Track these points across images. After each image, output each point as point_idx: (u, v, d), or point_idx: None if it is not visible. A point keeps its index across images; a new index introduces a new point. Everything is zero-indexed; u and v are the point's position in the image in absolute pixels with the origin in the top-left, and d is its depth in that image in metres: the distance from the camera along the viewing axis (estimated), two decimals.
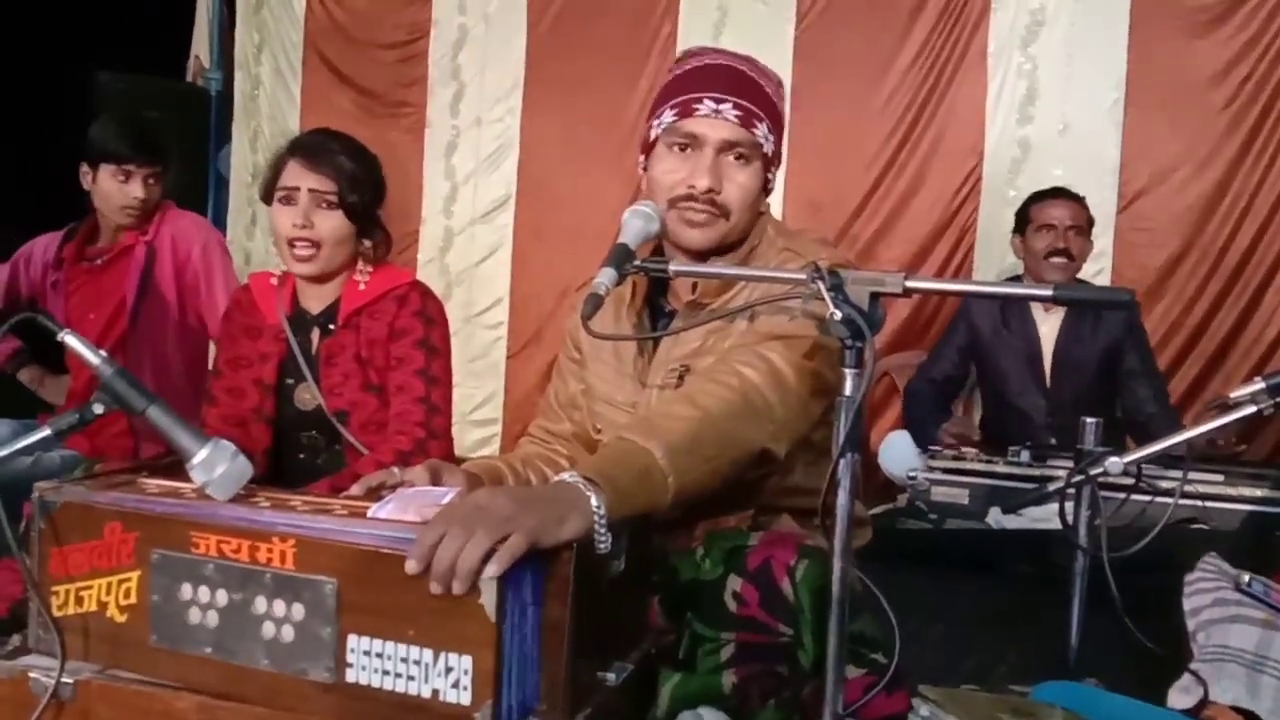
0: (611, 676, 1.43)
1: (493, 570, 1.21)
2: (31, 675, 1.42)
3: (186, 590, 1.38)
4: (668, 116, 1.80)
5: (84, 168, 3.07)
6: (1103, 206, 3.86)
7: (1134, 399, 3.54)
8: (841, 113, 4.35)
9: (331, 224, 2.27)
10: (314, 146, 2.30)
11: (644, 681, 1.55)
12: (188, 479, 1.49)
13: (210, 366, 2.61)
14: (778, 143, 1.84)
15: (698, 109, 1.78)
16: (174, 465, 1.55)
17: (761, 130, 1.80)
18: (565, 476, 1.38)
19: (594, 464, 1.44)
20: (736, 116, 1.78)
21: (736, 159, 1.79)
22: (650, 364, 1.87)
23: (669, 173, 1.80)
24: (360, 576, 1.29)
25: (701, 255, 1.82)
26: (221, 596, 1.36)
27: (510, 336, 4.85)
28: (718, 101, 1.78)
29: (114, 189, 3.03)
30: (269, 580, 1.33)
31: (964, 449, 3.28)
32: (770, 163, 1.84)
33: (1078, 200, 3.54)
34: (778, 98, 1.86)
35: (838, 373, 1.53)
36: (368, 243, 2.34)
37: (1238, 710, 1.85)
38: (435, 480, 1.70)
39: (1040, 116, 4.14)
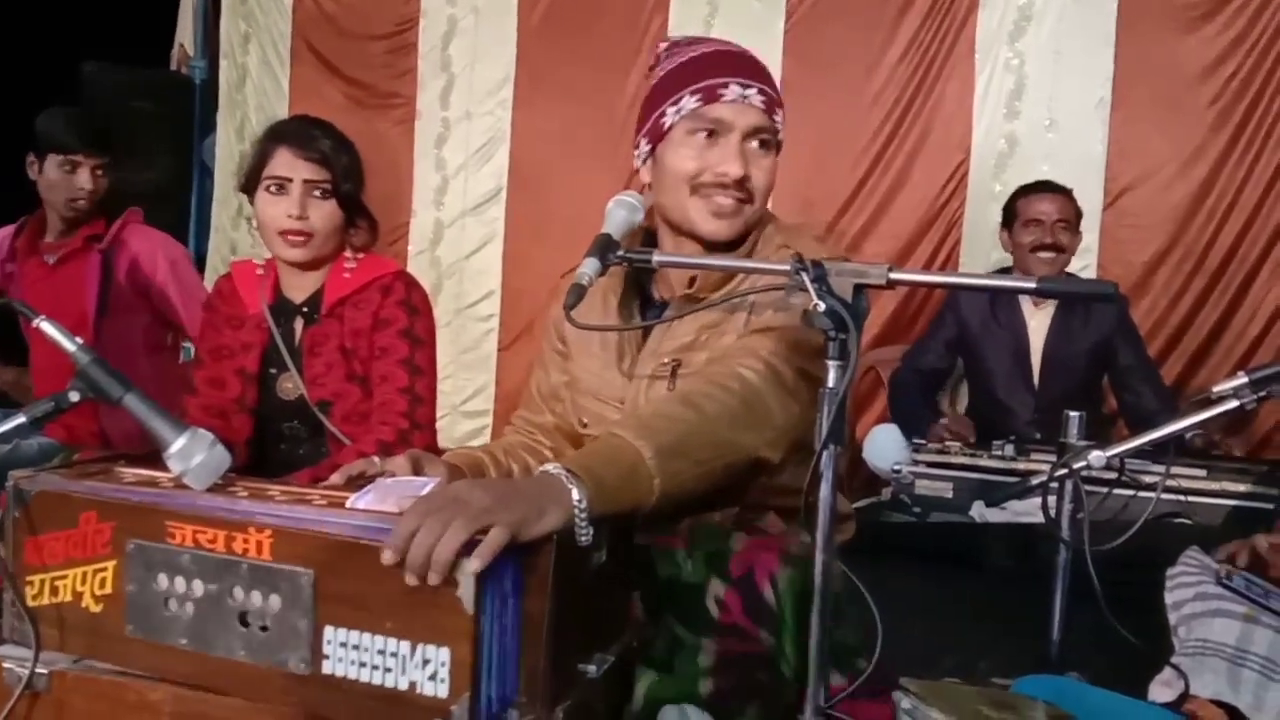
0: (592, 669, 1.43)
1: (475, 566, 1.20)
2: (5, 665, 1.41)
3: (162, 580, 1.36)
4: (689, 102, 1.75)
5: (30, 158, 3.06)
6: (1089, 202, 3.86)
7: (1134, 395, 3.54)
8: (830, 108, 4.35)
9: (325, 213, 2.26)
10: (302, 135, 2.28)
11: (625, 674, 1.54)
12: (165, 468, 1.48)
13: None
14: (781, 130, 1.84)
15: (724, 94, 1.75)
16: (152, 454, 1.54)
17: (780, 118, 1.80)
18: (549, 468, 1.37)
19: (580, 458, 1.43)
20: (762, 102, 1.76)
21: (761, 146, 1.78)
22: (639, 355, 1.85)
23: (691, 159, 1.76)
24: (338, 567, 1.28)
25: (715, 247, 1.80)
26: (198, 587, 1.35)
27: (501, 329, 4.84)
28: (744, 86, 1.75)
29: (60, 180, 3.02)
30: (245, 570, 1.32)
31: (948, 444, 3.28)
32: (780, 148, 1.83)
33: (1065, 193, 3.54)
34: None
35: None
36: (354, 231, 2.33)
37: (1218, 704, 1.85)
38: (417, 470, 1.69)
39: (1027, 112, 4.15)
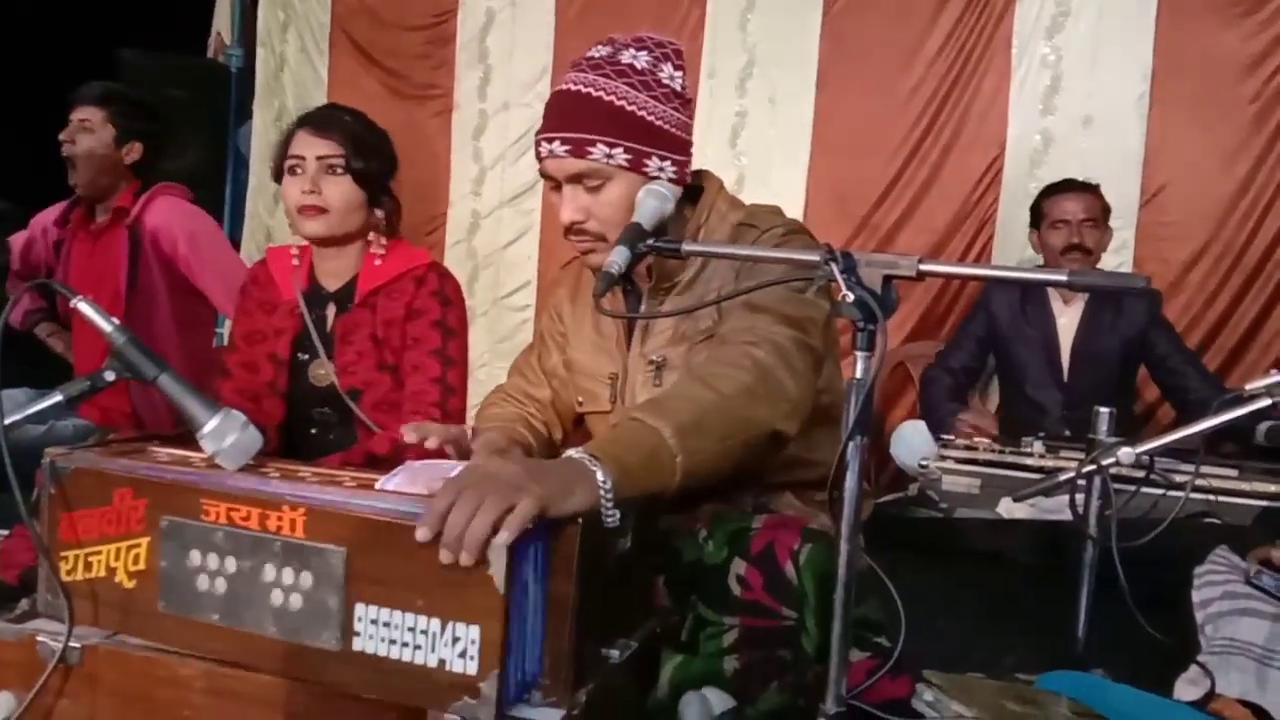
0: (615, 653, 1.44)
1: (503, 539, 1.22)
2: (39, 639, 1.43)
3: (195, 557, 1.39)
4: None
5: None
6: (1125, 199, 3.83)
7: (1180, 379, 3.50)
8: (866, 101, 4.32)
9: (339, 189, 2.28)
10: (321, 117, 2.34)
11: (648, 660, 1.55)
12: (197, 449, 1.50)
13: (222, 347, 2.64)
14: (644, 138, 1.78)
15: (541, 152, 1.81)
16: (183, 435, 1.56)
17: (600, 150, 1.76)
18: (571, 453, 1.39)
19: (601, 443, 1.45)
20: (566, 150, 1.77)
21: (590, 189, 1.79)
22: (630, 346, 1.91)
23: (556, 208, 1.83)
24: (370, 546, 1.30)
25: None
26: (230, 563, 1.37)
27: (537, 319, 4.85)
28: (549, 140, 1.79)
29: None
30: (278, 548, 1.35)
31: (976, 439, 3.26)
32: (639, 165, 1.78)
33: (1090, 190, 3.51)
34: (638, 88, 1.78)
35: (824, 341, 1.58)
36: (379, 213, 2.35)
37: (1245, 703, 1.85)
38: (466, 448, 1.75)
39: (1063, 108, 4.10)
